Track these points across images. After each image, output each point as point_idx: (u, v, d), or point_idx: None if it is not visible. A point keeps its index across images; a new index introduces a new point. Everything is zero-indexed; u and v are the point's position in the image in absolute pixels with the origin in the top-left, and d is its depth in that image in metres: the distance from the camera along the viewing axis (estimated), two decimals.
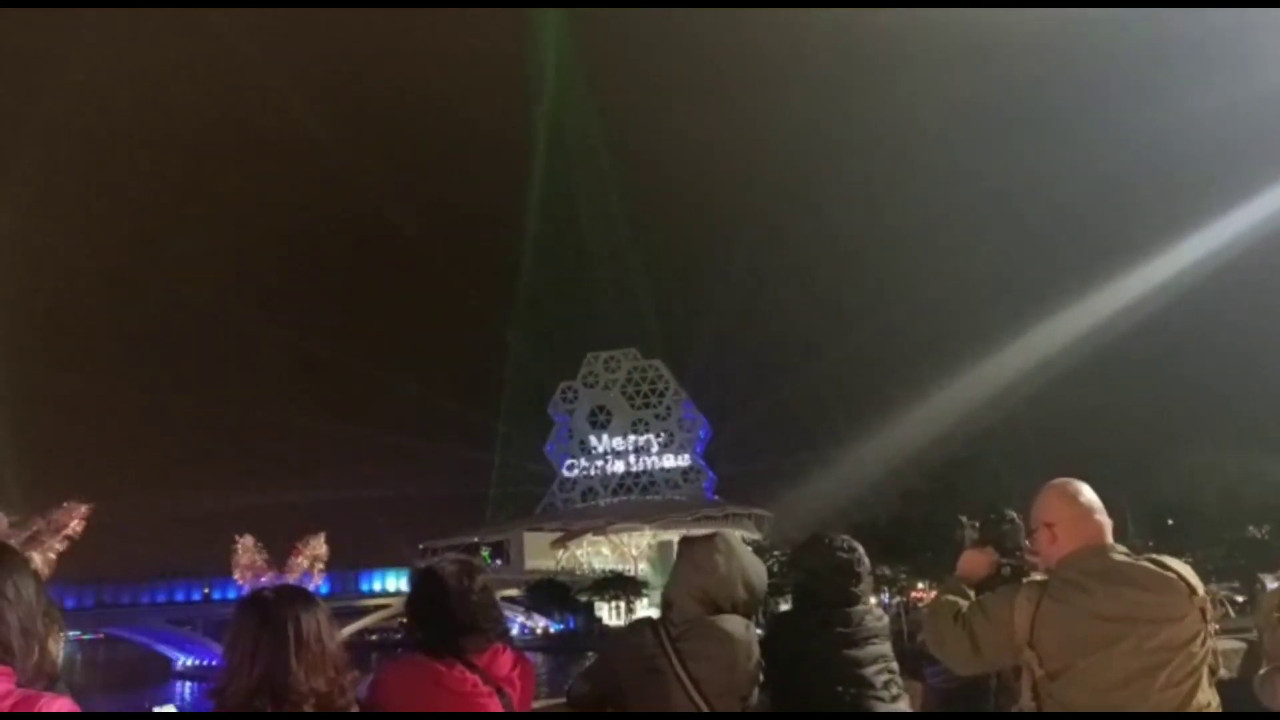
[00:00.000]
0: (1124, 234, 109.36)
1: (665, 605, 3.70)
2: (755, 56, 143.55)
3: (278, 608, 2.57)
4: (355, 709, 2.67)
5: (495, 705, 3.03)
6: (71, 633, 60.62)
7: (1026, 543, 4.03)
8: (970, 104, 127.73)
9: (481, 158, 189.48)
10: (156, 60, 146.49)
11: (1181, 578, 3.16)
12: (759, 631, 3.77)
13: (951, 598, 3.59)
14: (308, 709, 2.49)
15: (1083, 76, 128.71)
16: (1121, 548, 3.29)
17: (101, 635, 71.75)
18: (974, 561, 3.92)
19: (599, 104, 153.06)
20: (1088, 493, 3.39)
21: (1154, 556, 3.26)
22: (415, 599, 3.19)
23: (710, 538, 3.77)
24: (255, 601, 2.61)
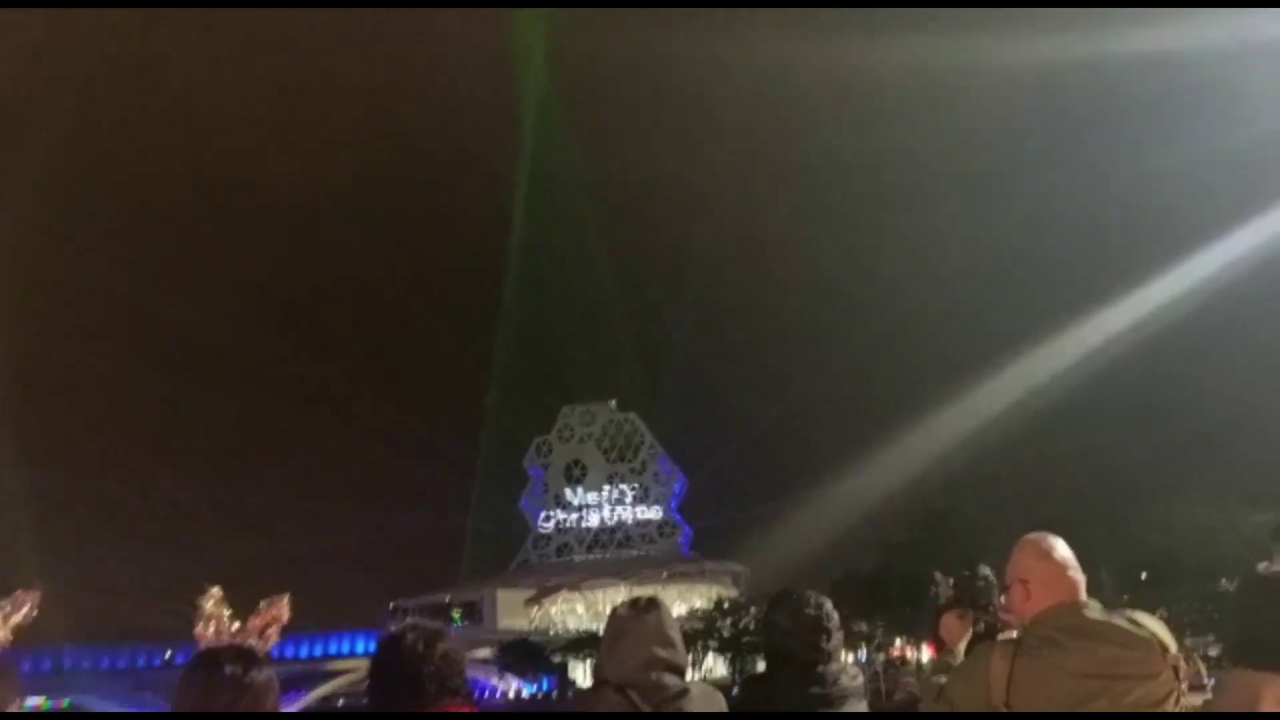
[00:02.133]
0: (1102, 277, 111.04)
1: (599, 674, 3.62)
2: (738, 98, 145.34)
3: (227, 669, 2.63)
4: None
5: None
6: (32, 699, 58.77)
7: (1001, 599, 4.03)
8: (955, 145, 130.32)
9: (456, 212, 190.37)
10: (133, 118, 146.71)
11: (1155, 636, 3.16)
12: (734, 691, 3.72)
13: (936, 678, 3.62)
14: None
15: (1070, 119, 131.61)
16: (1095, 604, 3.30)
17: (64, 703, 69.95)
18: (953, 628, 3.93)
19: (578, 155, 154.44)
20: (1061, 549, 3.40)
21: (1128, 614, 3.26)
22: (376, 666, 3.22)
23: (616, 611, 3.71)
24: (205, 662, 2.69)
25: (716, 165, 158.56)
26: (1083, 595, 3.33)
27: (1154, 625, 3.23)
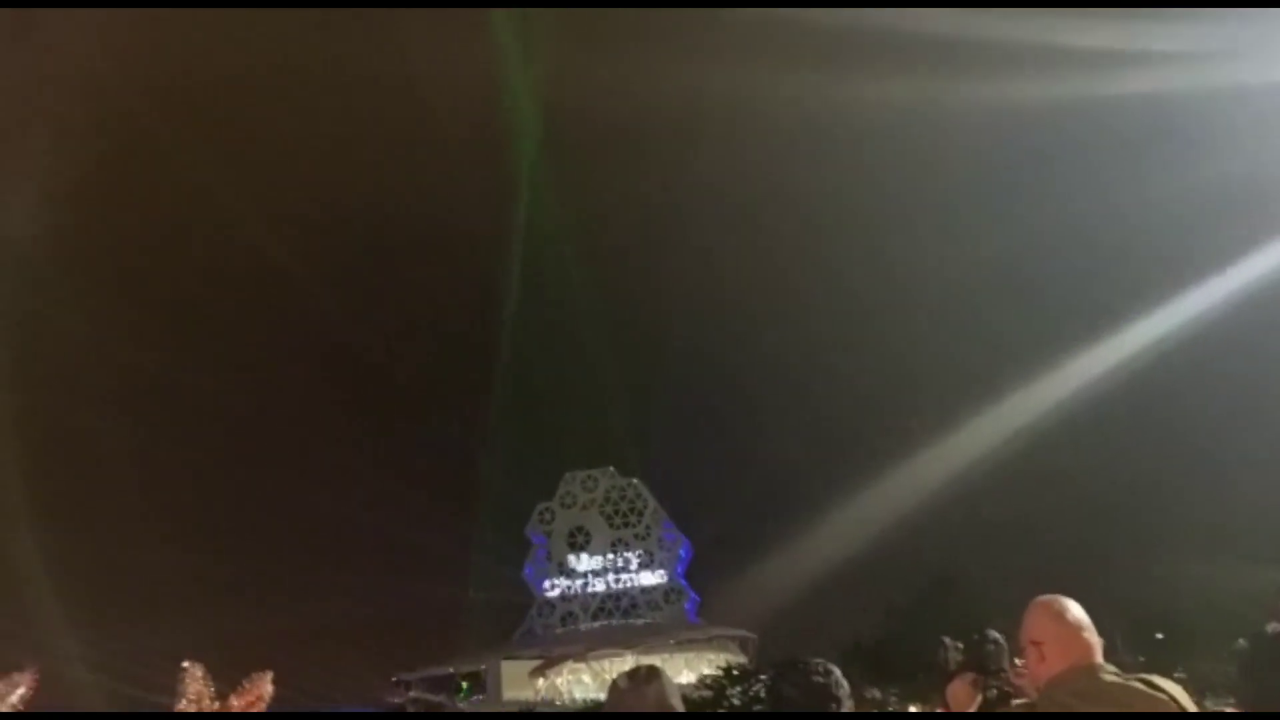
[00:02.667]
0: (1096, 325, 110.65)
1: None
2: (725, 132, 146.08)
3: None
4: None
5: None
6: None
7: (1017, 662, 3.94)
8: (949, 177, 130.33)
9: (449, 278, 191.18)
10: (115, 184, 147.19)
11: (1173, 699, 3.07)
12: None
13: None
14: None
15: (1065, 150, 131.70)
16: (1111, 667, 3.21)
17: None
18: (962, 694, 3.83)
19: (569, 214, 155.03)
20: (1075, 610, 3.32)
21: (1145, 677, 3.17)
22: None
23: (615, 683, 3.70)
24: None
25: (698, 209, 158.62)
26: (1098, 657, 3.25)
27: (1172, 689, 3.15)
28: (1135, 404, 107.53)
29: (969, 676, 3.89)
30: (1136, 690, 3.10)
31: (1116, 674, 3.19)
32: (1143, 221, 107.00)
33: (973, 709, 3.75)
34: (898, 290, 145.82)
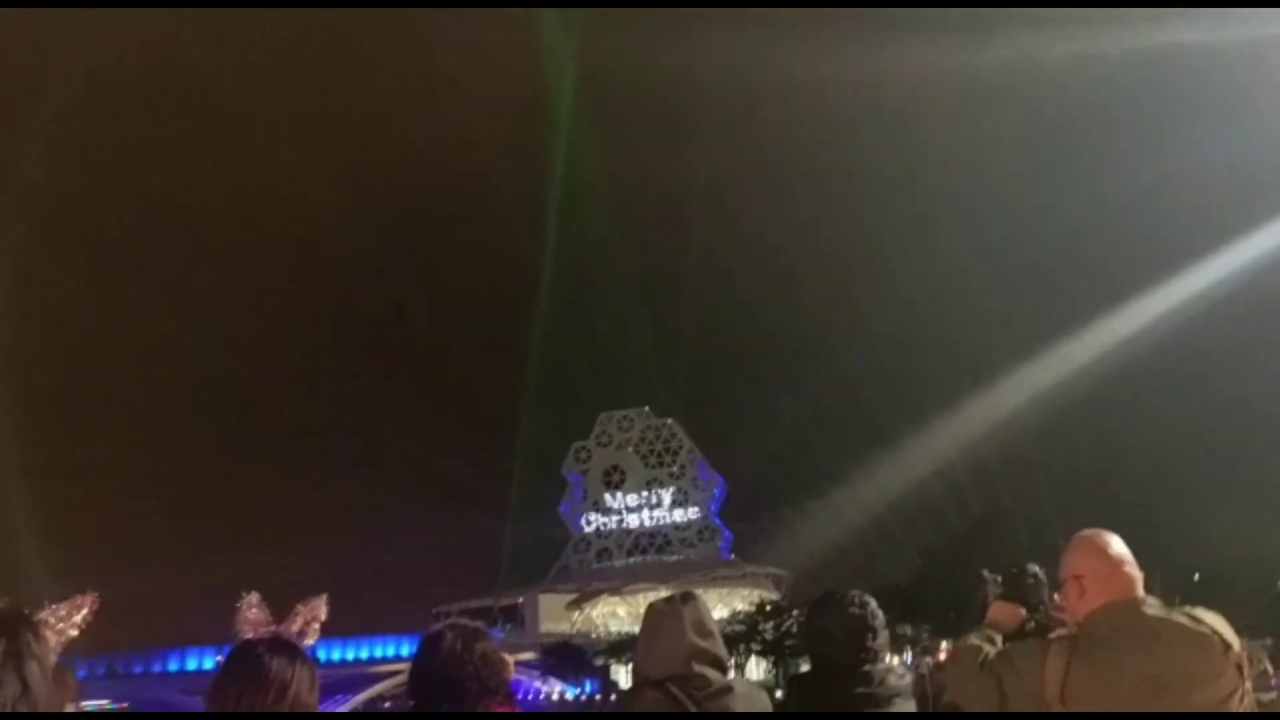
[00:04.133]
0: (1138, 281, 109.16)
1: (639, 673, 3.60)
2: (763, 103, 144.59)
3: (265, 660, 2.60)
4: None
5: None
6: (94, 703, 60.08)
7: (1054, 597, 3.94)
8: (974, 150, 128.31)
9: (491, 220, 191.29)
10: (164, 142, 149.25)
11: (1216, 632, 3.05)
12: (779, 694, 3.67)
13: (976, 643, 3.50)
14: None
15: (1097, 117, 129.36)
16: (1153, 600, 3.19)
17: (125, 706, 71.65)
18: (1004, 612, 3.83)
19: (609, 163, 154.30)
20: (1117, 544, 3.29)
21: (1187, 610, 3.15)
22: (416, 666, 3.24)
23: (653, 606, 3.71)
24: (244, 653, 2.67)
25: (738, 170, 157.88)
26: (1139, 592, 3.22)
27: (1215, 621, 3.12)
28: (1180, 361, 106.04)
29: (1013, 604, 3.90)
30: (1177, 624, 3.08)
31: (1158, 607, 3.17)
32: (1176, 187, 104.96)
33: (1009, 629, 3.77)
34: (934, 250, 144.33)
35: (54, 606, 4.49)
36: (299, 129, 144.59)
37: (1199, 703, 2.96)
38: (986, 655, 3.36)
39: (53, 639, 4.56)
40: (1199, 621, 3.08)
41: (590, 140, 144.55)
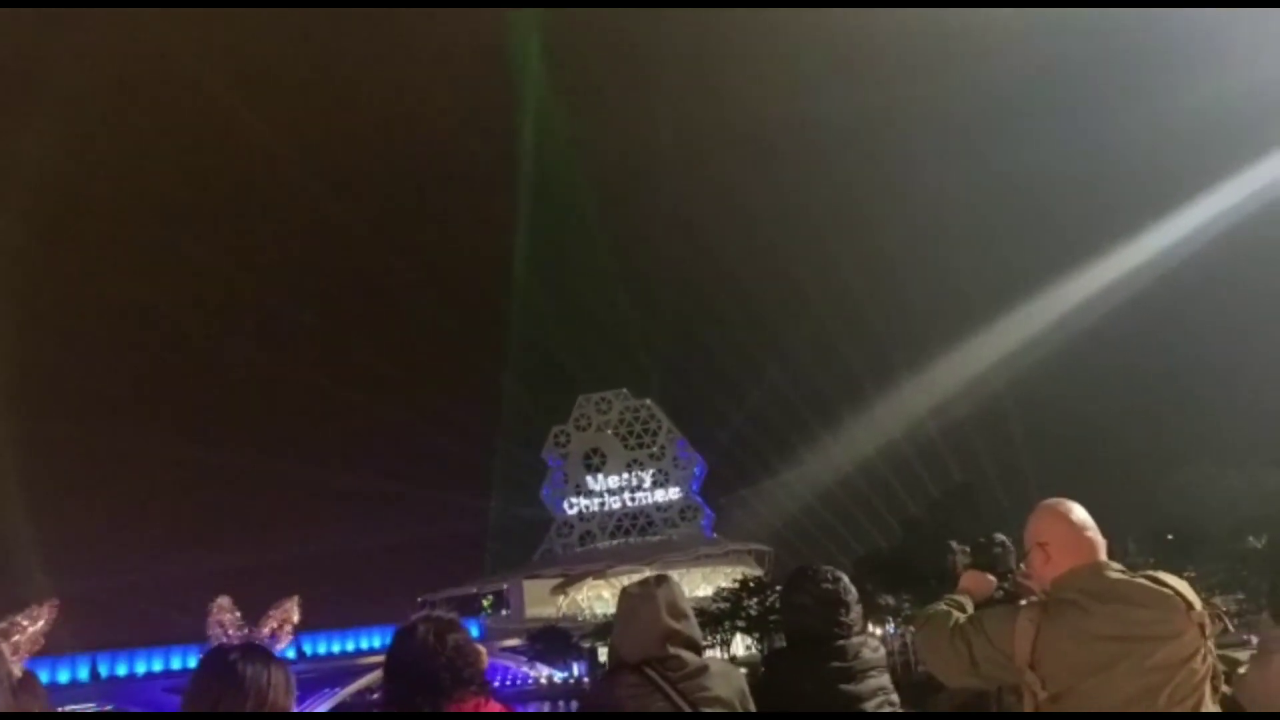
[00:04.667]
0: (1112, 237, 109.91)
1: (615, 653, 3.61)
2: (730, 59, 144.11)
3: (240, 665, 2.61)
4: None
5: None
6: (79, 706, 59.70)
7: (1021, 565, 4.00)
8: (942, 102, 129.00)
9: (468, 202, 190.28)
10: (147, 119, 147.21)
11: (1178, 593, 3.11)
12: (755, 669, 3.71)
13: (946, 608, 3.55)
14: None
15: (1068, 73, 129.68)
16: (1116, 565, 3.25)
17: (109, 708, 71.43)
18: (976, 580, 3.89)
19: (583, 140, 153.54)
20: (1079, 511, 3.36)
21: (1150, 573, 3.21)
22: (389, 659, 3.23)
23: (626, 590, 3.74)
24: (218, 658, 2.66)
25: (705, 131, 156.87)
26: (1103, 556, 3.28)
27: (1176, 583, 3.18)
28: (1151, 314, 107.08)
29: (984, 573, 3.95)
30: (1140, 585, 3.14)
31: (1121, 570, 3.23)
32: (1151, 141, 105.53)
33: (981, 596, 3.82)
34: (907, 207, 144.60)
35: (12, 617, 4.43)
36: (276, 109, 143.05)
37: (1163, 660, 3.02)
38: (957, 620, 3.41)
39: (23, 648, 4.52)
40: (1161, 583, 3.15)
41: (564, 107, 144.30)
